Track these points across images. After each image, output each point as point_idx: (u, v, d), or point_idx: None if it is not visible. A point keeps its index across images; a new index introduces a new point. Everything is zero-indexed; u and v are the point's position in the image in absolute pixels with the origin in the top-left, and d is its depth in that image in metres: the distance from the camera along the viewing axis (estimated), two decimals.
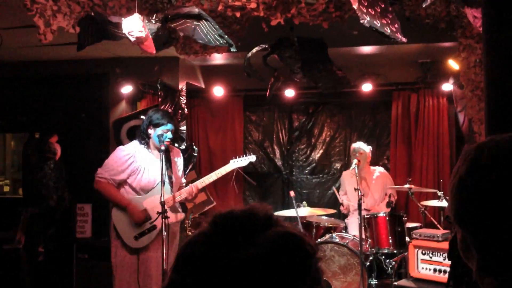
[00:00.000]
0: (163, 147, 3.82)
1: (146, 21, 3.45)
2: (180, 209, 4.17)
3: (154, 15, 3.54)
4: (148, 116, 4.03)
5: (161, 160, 3.76)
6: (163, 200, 3.65)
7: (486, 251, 1.00)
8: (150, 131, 3.95)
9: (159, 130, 3.92)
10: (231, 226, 0.87)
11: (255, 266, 0.81)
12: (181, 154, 4.27)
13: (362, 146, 5.67)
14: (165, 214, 3.64)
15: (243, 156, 4.36)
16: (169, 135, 3.94)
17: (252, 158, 4.40)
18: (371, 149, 5.80)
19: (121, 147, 4.11)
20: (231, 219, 0.89)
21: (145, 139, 3.99)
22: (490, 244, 0.98)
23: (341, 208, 5.83)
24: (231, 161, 4.32)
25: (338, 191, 6.02)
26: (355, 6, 2.64)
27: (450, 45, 5.14)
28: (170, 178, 3.89)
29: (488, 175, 0.98)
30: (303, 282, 0.84)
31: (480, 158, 1.01)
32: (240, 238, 0.85)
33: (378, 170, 5.84)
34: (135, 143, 4.05)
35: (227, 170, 4.25)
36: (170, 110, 5.85)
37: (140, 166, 3.93)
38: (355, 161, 5.14)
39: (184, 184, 4.26)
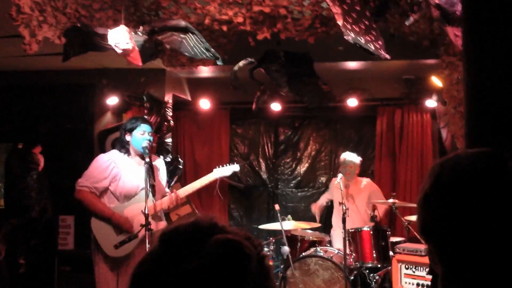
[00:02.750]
0: (147, 159, 3.79)
1: (133, 33, 3.46)
2: (163, 218, 4.11)
3: (141, 27, 3.55)
4: (123, 125, 4.06)
5: (146, 171, 3.73)
6: (146, 212, 3.62)
7: (448, 264, 1.03)
8: (128, 137, 3.94)
9: (136, 134, 3.89)
10: (176, 240, 0.91)
11: (198, 276, 0.85)
12: (163, 162, 4.24)
13: (353, 159, 5.64)
14: (149, 226, 3.61)
15: (226, 165, 4.34)
16: (147, 136, 3.91)
17: (235, 167, 4.37)
18: (361, 159, 5.80)
19: (100, 155, 4.07)
20: (176, 233, 0.92)
21: (124, 147, 3.97)
22: (452, 258, 1.02)
23: (312, 205, 5.87)
24: (214, 170, 4.29)
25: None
26: (339, 22, 2.68)
27: (433, 62, 5.22)
28: (152, 186, 3.83)
29: (449, 192, 1.03)
30: (246, 283, 0.88)
31: (443, 174, 1.05)
32: (185, 250, 0.88)
33: (365, 180, 5.83)
34: (114, 151, 4.03)
35: (210, 179, 4.22)
36: (153, 120, 5.84)
37: (121, 172, 3.89)
38: (340, 175, 5.16)
39: (167, 193, 4.21)
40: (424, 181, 1.09)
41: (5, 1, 2.95)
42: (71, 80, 6.23)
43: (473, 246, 0.99)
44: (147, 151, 3.83)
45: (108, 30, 3.40)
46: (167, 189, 4.23)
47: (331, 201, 5.94)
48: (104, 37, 3.40)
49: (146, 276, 0.89)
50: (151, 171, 3.81)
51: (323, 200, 5.99)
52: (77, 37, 3.35)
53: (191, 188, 4.14)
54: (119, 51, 3.43)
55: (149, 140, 3.90)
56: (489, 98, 1.85)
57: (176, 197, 4.00)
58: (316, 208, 5.91)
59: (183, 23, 3.52)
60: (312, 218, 6.45)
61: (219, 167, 4.31)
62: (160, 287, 0.86)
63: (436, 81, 5.47)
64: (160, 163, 4.17)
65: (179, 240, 0.90)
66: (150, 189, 3.76)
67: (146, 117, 4.58)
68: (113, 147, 4.21)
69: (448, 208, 1.01)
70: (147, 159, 3.77)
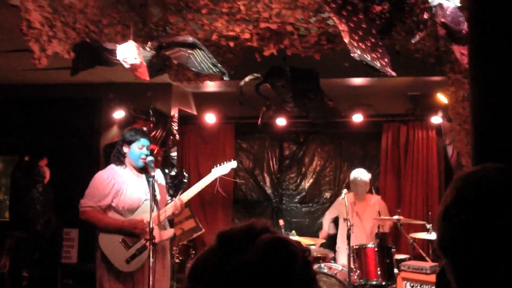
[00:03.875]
0: (153, 173, 3.80)
1: (141, 49, 3.50)
2: (167, 226, 4.09)
3: (149, 42, 3.59)
4: (122, 135, 4.06)
5: (151, 185, 3.74)
6: (151, 226, 3.61)
7: (463, 281, 1.01)
8: (125, 149, 3.93)
9: (135, 147, 3.90)
10: (231, 237, 0.98)
11: (248, 270, 0.92)
12: (160, 172, 4.22)
13: (363, 177, 5.59)
14: (153, 241, 3.61)
15: (223, 164, 4.35)
16: (145, 151, 3.91)
17: (233, 164, 4.41)
18: (370, 177, 5.78)
19: (98, 172, 4.03)
20: (232, 232, 0.99)
21: (120, 160, 3.95)
22: (466, 275, 1.00)
23: (320, 233, 5.84)
24: (212, 170, 4.30)
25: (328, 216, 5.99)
26: (346, 40, 2.70)
27: (439, 79, 5.24)
28: (154, 196, 3.80)
29: (472, 207, 1.00)
30: (293, 280, 0.93)
31: (466, 189, 1.02)
32: (238, 246, 0.95)
33: (375, 198, 5.80)
34: (111, 166, 4.00)
35: (210, 179, 4.24)
36: (159, 134, 5.86)
37: (122, 186, 3.87)
38: (344, 191, 5.15)
39: (170, 200, 4.20)
40: (445, 194, 1.06)
41: (15, 16, 3.00)
42: (78, 93, 6.28)
43: (492, 264, 0.96)
44: (152, 164, 3.85)
45: (117, 45, 3.44)
46: (168, 198, 4.22)
47: (337, 218, 5.90)
48: (112, 52, 3.44)
49: (202, 268, 0.96)
50: (154, 184, 3.82)
51: (327, 223, 5.93)
52: (86, 52, 3.39)
53: (193, 191, 4.14)
54: (127, 66, 3.47)
55: (146, 155, 3.90)
56: (495, 116, 1.85)
57: (180, 203, 3.99)
58: (323, 235, 5.86)
59: (190, 39, 3.56)
60: (316, 234, 6.43)
61: (216, 166, 4.32)
62: (215, 278, 0.93)
63: (442, 98, 5.48)
64: (158, 174, 4.16)
65: (233, 237, 0.98)
66: (153, 201, 3.76)
67: (145, 129, 4.55)
68: (108, 161, 4.17)
69: (470, 223, 0.98)
70: (152, 173, 3.78)
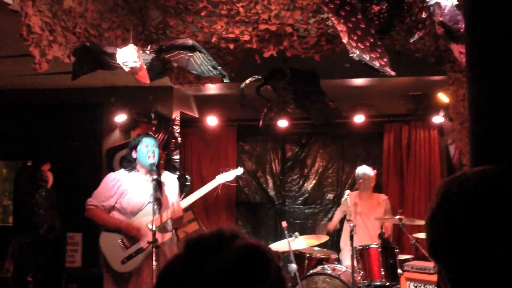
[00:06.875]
0: (155, 176, 3.82)
1: (141, 52, 3.51)
2: (169, 229, 4.09)
3: (149, 46, 3.60)
4: (128, 144, 4.19)
5: (154, 187, 3.76)
6: (154, 229, 3.63)
7: (457, 284, 1.01)
8: (134, 155, 4.01)
9: (141, 147, 3.95)
10: (199, 244, 0.96)
11: (219, 278, 0.90)
12: (173, 176, 4.25)
13: (366, 171, 5.63)
14: (156, 244, 3.63)
15: (229, 171, 4.34)
16: (151, 148, 3.95)
17: (238, 171, 4.39)
18: (376, 172, 5.78)
19: (109, 174, 4.16)
20: (200, 239, 0.97)
21: (131, 165, 4.03)
22: (460, 278, 1.00)
23: (328, 224, 5.84)
24: (217, 176, 4.30)
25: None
26: (344, 40, 2.71)
27: (440, 79, 5.24)
28: (158, 199, 3.85)
29: (456, 210, 1.01)
30: (267, 285, 0.93)
31: (449, 193, 1.04)
32: (207, 254, 0.93)
33: (384, 197, 5.80)
34: (121, 170, 4.12)
35: (213, 185, 4.23)
36: (161, 137, 5.88)
37: (128, 188, 3.96)
38: (347, 191, 5.15)
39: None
40: (431, 201, 1.08)
41: (16, 22, 3.01)
42: (80, 98, 6.30)
43: (482, 265, 0.97)
44: (154, 167, 3.86)
45: (117, 49, 3.45)
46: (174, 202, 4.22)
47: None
48: (112, 56, 3.45)
49: (170, 276, 0.95)
50: (158, 187, 3.85)
51: (338, 217, 5.93)
52: (86, 56, 3.40)
53: (195, 196, 4.15)
54: (127, 70, 3.48)
55: (153, 152, 3.94)
56: (493, 115, 1.85)
57: (178, 208, 3.99)
58: (332, 226, 5.87)
59: (190, 41, 3.57)
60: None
61: (221, 173, 4.31)
62: (184, 286, 0.92)
63: (443, 97, 5.48)
64: (168, 177, 4.18)
65: (202, 244, 0.96)
66: (156, 204, 3.78)
67: (150, 133, 4.64)
68: (121, 165, 4.28)
69: (456, 227, 1.00)
70: (155, 176, 3.80)
